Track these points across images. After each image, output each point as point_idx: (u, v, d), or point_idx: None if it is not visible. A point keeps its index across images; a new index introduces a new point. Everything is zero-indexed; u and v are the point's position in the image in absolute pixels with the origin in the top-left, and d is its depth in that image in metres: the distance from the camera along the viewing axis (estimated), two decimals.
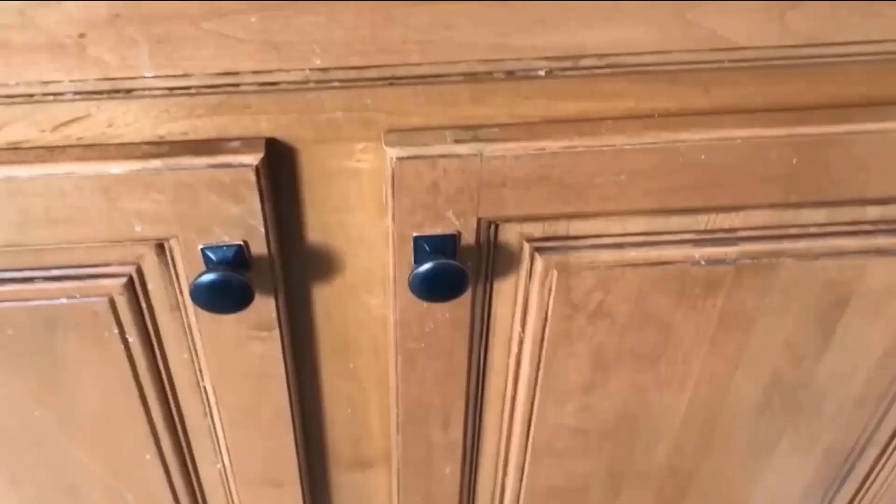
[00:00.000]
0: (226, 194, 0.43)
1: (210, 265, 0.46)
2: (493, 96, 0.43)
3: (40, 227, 0.44)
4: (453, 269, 0.45)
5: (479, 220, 0.46)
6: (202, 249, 0.46)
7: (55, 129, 0.42)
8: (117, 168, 0.42)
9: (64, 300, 0.48)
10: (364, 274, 0.51)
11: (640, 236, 0.49)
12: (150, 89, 0.40)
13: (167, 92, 0.40)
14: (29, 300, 0.48)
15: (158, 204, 0.44)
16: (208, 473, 0.62)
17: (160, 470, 0.60)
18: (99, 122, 0.42)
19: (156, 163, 0.42)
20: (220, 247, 0.46)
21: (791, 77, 0.44)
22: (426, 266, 0.45)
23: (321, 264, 0.50)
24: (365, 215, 0.48)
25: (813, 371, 0.58)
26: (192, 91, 0.40)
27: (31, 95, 0.39)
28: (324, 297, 0.52)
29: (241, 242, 0.45)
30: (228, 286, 0.44)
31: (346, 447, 0.63)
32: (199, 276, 0.44)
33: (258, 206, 0.44)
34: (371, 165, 0.45)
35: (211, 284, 0.44)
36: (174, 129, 0.43)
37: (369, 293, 0.52)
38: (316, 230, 0.48)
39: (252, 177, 0.43)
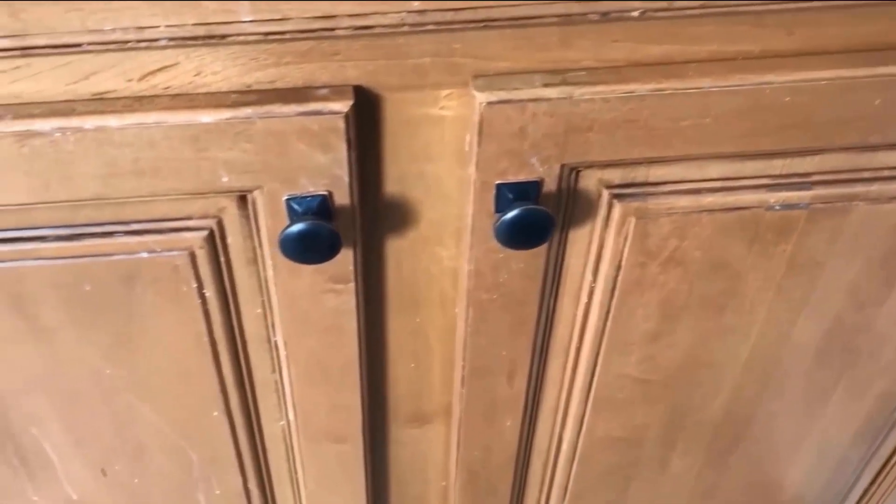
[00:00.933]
0: (314, 143, 0.43)
1: (294, 216, 0.46)
2: (582, 39, 0.43)
3: (127, 179, 0.44)
4: (540, 216, 0.45)
5: (562, 167, 0.46)
6: (287, 200, 0.46)
7: (142, 78, 0.42)
8: (208, 117, 0.42)
9: (144, 254, 0.48)
10: (438, 225, 0.51)
11: (717, 182, 0.49)
12: (244, 34, 0.39)
13: (261, 37, 0.40)
14: (109, 255, 0.48)
15: (246, 153, 0.43)
16: (272, 430, 0.63)
17: (226, 427, 0.61)
18: (186, 70, 0.42)
19: (246, 111, 0.42)
20: (305, 197, 0.46)
21: (875, 17, 0.44)
22: (513, 212, 0.45)
23: (397, 216, 0.50)
24: (444, 164, 0.48)
25: (874, 316, 0.59)
26: (286, 37, 0.40)
27: (125, 42, 0.39)
28: (396, 249, 0.52)
29: (326, 193, 0.46)
30: (318, 236, 0.44)
31: (407, 402, 0.63)
32: (289, 226, 0.44)
33: (345, 155, 0.44)
34: (455, 113, 0.45)
35: (301, 234, 0.44)
36: (262, 77, 0.43)
37: (441, 245, 0.52)
38: (394, 180, 0.48)
39: (341, 124, 0.43)
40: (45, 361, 0.54)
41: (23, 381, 0.55)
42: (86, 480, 0.64)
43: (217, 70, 0.42)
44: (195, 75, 0.42)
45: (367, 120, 0.45)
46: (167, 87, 0.43)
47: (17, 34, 0.38)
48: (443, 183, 0.49)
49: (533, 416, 0.64)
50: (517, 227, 0.45)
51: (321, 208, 0.46)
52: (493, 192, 0.46)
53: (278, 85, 0.43)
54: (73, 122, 0.41)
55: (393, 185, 0.48)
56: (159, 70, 0.42)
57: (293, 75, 0.43)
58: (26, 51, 0.39)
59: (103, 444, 0.61)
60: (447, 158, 0.47)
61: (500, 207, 0.47)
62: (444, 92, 0.44)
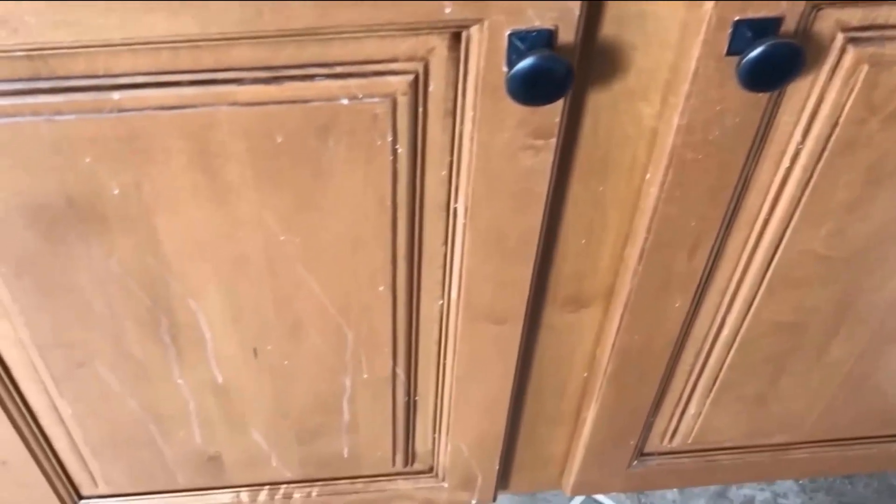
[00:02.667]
0: None
1: (515, 54, 0.42)
2: None
3: (345, 8, 0.40)
4: (791, 50, 0.41)
5: (806, 3, 0.42)
6: (510, 35, 0.42)
7: None
8: None
9: (345, 101, 0.45)
10: (647, 76, 0.47)
11: None
12: None
13: None
14: (308, 101, 0.45)
15: None
16: (429, 310, 0.60)
17: (389, 304, 0.58)
18: None
19: None
20: (530, 32, 0.42)
21: None
22: (760, 48, 0.41)
23: (607, 63, 0.46)
24: (670, 4, 0.44)
25: None
26: None
27: None
28: (597, 104, 0.48)
29: (553, 27, 0.42)
30: (552, 71, 0.41)
31: (569, 283, 0.60)
32: (521, 60, 0.41)
33: None
34: None
35: (535, 68, 0.41)
36: None
37: (646, 100, 0.49)
38: (613, 21, 0.44)
39: None
40: (219, 224, 0.51)
41: (193, 245, 0.52)
42: (235, 361, 0.61)
43: None
44: None
45: None
46: None
47: None
48: (662, 25, 0.45)
49: (699, 297, 0.62)
50: (764, 64, 0.42)
51: (546, 44, 0.42)
52: (730, 29, 0.43)
53: None
54: None
55: (611, 26, 0.45)
56: None
57: None
58: None
59: (261, 320, 0.58)
60: None
61: (736, 48, 0.43)
62: None
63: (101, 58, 0.43)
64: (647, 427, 0.75)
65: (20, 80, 0.43)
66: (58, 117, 0.44)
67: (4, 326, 0.57)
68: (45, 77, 0.43)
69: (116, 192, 0.48)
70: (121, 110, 0.44)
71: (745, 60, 0.42)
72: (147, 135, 0.45)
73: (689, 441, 0.77)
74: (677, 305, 0.60)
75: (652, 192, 0.52)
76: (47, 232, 0.50)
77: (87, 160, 0.46)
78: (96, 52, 0.42)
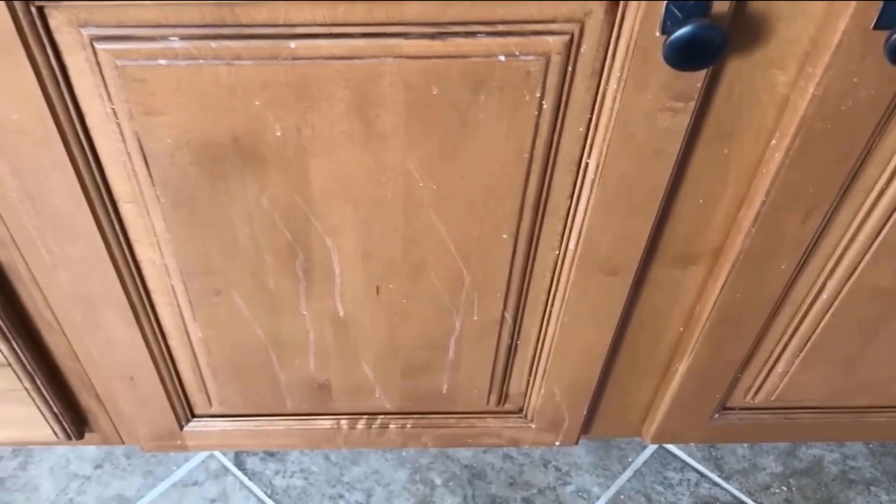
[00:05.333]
0: None
1: (672, 21, 0.45)
2: None
3: None
4: None
5: None
6: (668, 3, 0.44)
7: None
8: None
9: (502, 57, 0.48)
10: (787, 46, 0.49)
11: None
12: None
13: None
14: (467, 56, 0.48)
15: None
16: (544, 260, 0.63)
17: (509, 252, 0.62)
18: None
19: None
20: (687, 1, 0.44)
21: None
22: None
23: (750, 31, 0.48)
24: None
25: None
26: None
27: None
28: (735, 69, 0.50)
29: None
30: (710, 39, 0.43)
31: (680, 241, 0.63)
32: (679, 28, 0.43)
33: None
34: None
35: (692, 35, 0.43)
36: None
37: (782, 69, 0.51)
38: None
39: None
40: (366, 169, 0.54)
41: (338, 187, 0.55)
42: (358, 297, 0.65)
43: None
44: None
45: None
46: None
47: None
48: None
49: (805, 260, 0.64)
50: None
51: (702, 14, 0.44)
52: (880, 8, 0.45)
53: None
54: None
55: None
56: None
57: None
58: None
59: (387, 260, 0.62)
60: None
61: (883, 23, 0.45)
62: None
63: (283, 8, 0.46)
64: (734, 382, 0.78)
65: (206, 25, 0.46)
66: (237, 62, 0.48)
67: (152, 253, 0.62)
68: (230, 24, 0.46)
69: (279, 134, 0.52)
70: (295, 58, 0.48)
71: (895, 36, 0.44)
72: (314, 82, 0.49)
73: (773, 398, 0.80)
74: (783, 267, 0.63)
75: (776, 158, 0.54)
76: (210, 168, 0.54)
77: (257, 103, 0.50)
78: (279, 3, 0.45)
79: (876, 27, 0.45)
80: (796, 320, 0.70)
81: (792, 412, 0.82)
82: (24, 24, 0.45)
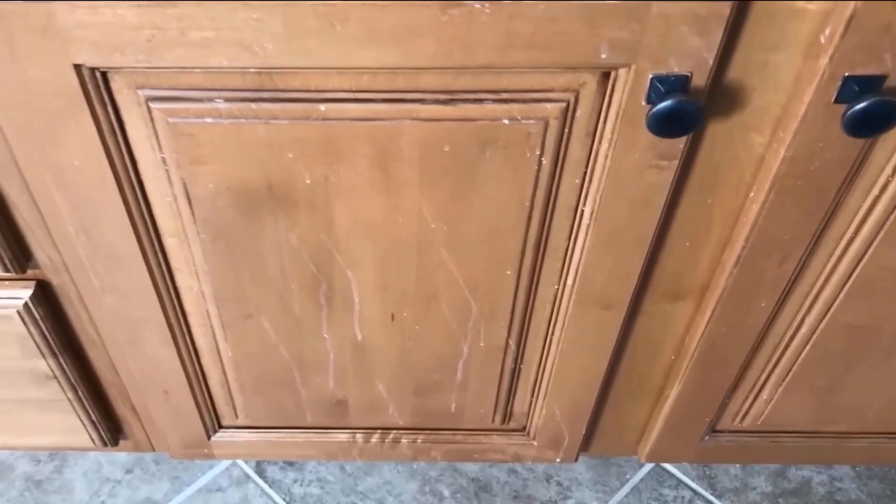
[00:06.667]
0: (695, 27, 0.48)
1: (655, 94, 0.51)
2: None
3: (518, 51, 0.49)
4: (890, 106, 0.49)
5: None
6: (652, 78, 0.51)
7: None
8: None
9: (506, 121, 0.54)
10: (760, 112, 0.55)
11: None
12: None
13: None
14: (476, 119, 0.54)
15: (633, 33, 0.48)
16: (545, 293, 0.70)
17: (512, 286, 0.68)
18: None
19: None
20: (670, 77, 0.50)
21: None
22: (863, 103, 0.49)
23: (727, 100, 0.55)
24: (788, 55, 0.52)
25: None
26: None
27: None
28: (715, 132, 0.57)
29: (688, 73, 0.50)
30: (687, 112, 0.49)
31: (670, 278, 0.69)
32: (660, 102, 0.49)
33: (719, 39, 0.48)
34: (818, 7, 0.49)
35: (672, 110, 0.49)
36: None
37: (758, 132, 0.57)
38: (738, 67, 0.52)
39: (726, 12, 0.47)
40: (386, 212, 0.61)
41: (360, 227, 0.62)
42: (375, 323, 0.72)
43: None
44: None
45: (736, 10, 0.49)
46: None
47: None
48: (780, 73, 0.53)
49: (784, 299, 0.70)
50: (866, 116, 0.49)
51: (682, 88, 0.51)
52: (839, 83, 0.51)
53: None
54: None
55: (735, 70, 0.53)
56: None
57: None
58: None
59: (402, 291, 0.68)
60: (794, 49, 0.51)
61: (843, 98, 0.51)
62: None
63: (315, 77, 0.52)
64: (722, 407, 0.84)
65: (248, 90, 0.53)
66: (273, 121, 0.54)
67: (191, 281, 0.68)
68: (268, 89, 0.53)
69: (308, 182, 0.58)
70: (324, 119, 0.54)
71: (850, 111, 0.50)
72: (341, 139, 0.55)
73: (759, 422, 0.85)
74: (763, 305, 0.69)
75: (754, 209, 0.60)
76: (246, 209, 0.61)
77: (290, 156, 0.56)
78: (312, 73, 0.52)
79: (836, 101, 0.51)
80: (778, 352, 0.76)
81: (777, 436, 0.87)
82: (90, 86, 0.52)
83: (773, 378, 0.79)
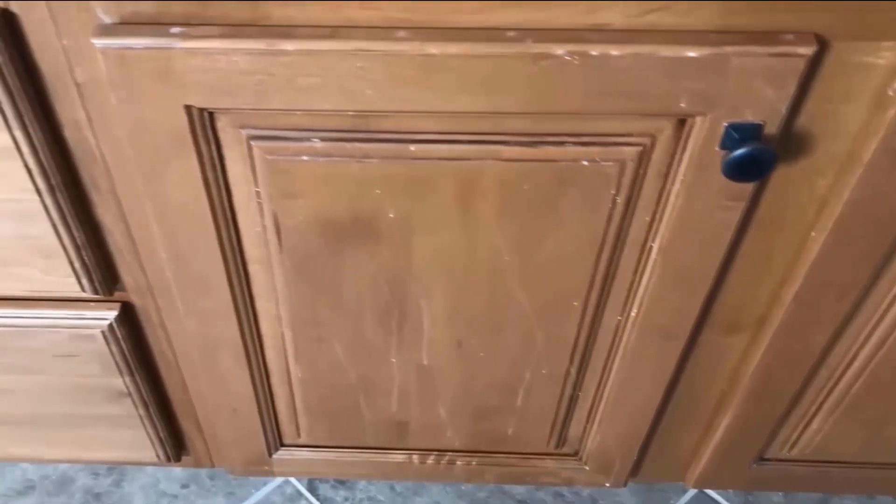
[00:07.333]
0: (771, 80, 0.51)
1: (730, 141, 0.54)
2: None
3: (603, 98, 0.52)
4: None
5: None
6: (727, 127, 0.54)
7: (640, 15, 0.50)
8: (693, 52, 0.50)
9: (585, 162, 0.57)
10: (826, 157, 0.58)
11: None
12: None
13: None
14: (556, 160, 0.57)
15: (711, 85, 0.51)
16: (608, 323, 0.72)
17: (578, 316, 0.71)
18: (677, 12, 0.50)
19: (727, 49, 0.50)
20: (744, 125, 0.53)
21: None
22: None
23: (795, 146, 0.57)
24: (856, 106, 0.54)
25: None
26: None
27: None
28: (781, 175, 0.59)
29: (761, 122, 0.53)
30: (761, 159, 0.52)
31: (729, 311, 0.71)
32: (734, 149, 0.52)
33: (792, 92, 0.51)
34: (888, 62, 0.52)
35: (747, 157, 0.52)
36: (737, 20, 0.50)
37: (822, 175, 0.59)
38: (808, 115, 0.55)
39: (801, 66, 0.50)
40: (462, 244, 0.64)
41: (436, 258, 0.65)
42: (441, 349, 0.75)
43: (701, 12, 0.50)
44: (683, 16, 0.50)
45: (810, 64, 0.52)
46: (657, 24, 0.50)
47: None
48: (847, 122, 0.56)
49: (839, 333, 0.72)
50: None
51: (755, 135, 0.54)
52: None
53: (749, 28, 0.50)
54: (583, 48, 0.50)
55: (804, 118, 0.56)
56: (655, 10, 0.50)
57: (763, 21, 0.50)
58: None
59: (471, 319, 0.71)
60: (862, 100, 0.54)
61: None
62: (886, 43, 0.51)
63: (408, 119, 0.56)
64: (772, 436, 0.86)
65: (344, 130, 0.57)
66: (365, 160, 0.58)
67: (269, 305, 0.72)
68: (362, 130, 0.57)
69: (392, 216, 0.62)
70: (413, 158, 0.58)
71: None
72: (427, 177, 0.59)
73: (807, 452, 0.87)
74: (818, 339, 0.71)
75: (814, 248, 0.63)
76: (331, 240, 0.64)
77: (378, 192, 0.60)
78: (405, 116, 0.55)
79: None
80: (831, 383, 0.78)
81: (824, 465, 0.89)
82: (197, 125, 0.56)
83: (825, 409, 0.81)
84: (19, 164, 0.59)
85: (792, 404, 0.81)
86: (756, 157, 0.53)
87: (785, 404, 0.80)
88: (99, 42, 0.51)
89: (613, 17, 0.50)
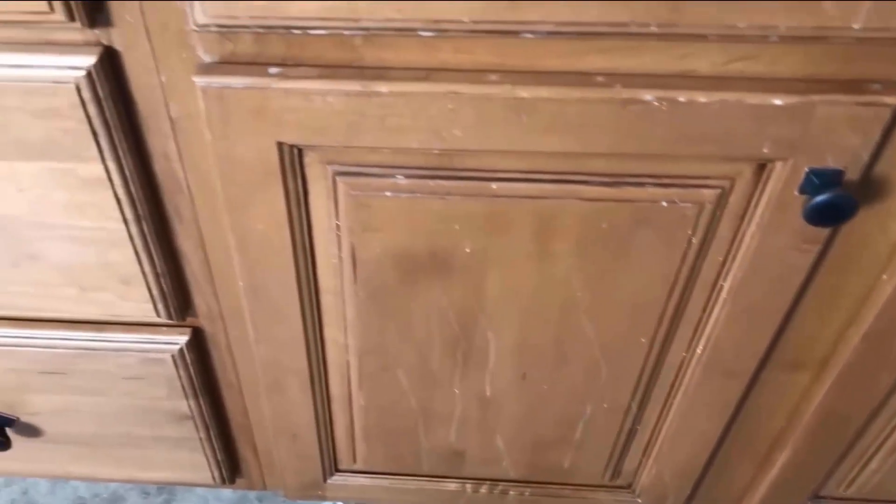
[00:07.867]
0: (857, 128, 0.52)
1: (810, 186, 0.55)
2: None
3: (687, 142, 0.53)
4: None
5: None
6: (808, 172, 0.54)
7: (727, 63, 0.51)
8: (779, 100, 0.51)
9: (664, 203, 0.58)
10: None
11: None
12: (842, 37, 0.48)
13: (855, 40, 0.48)
14: (635, 201, 0.58)
15: (795, 132, 0.52)
16: (672, 359, 0.73)
17: (644, 352, 0.71)
18: (764, 61, 0.51)
19: (813, 98, 0.51)
20: (825, 171, 0.54)
21: None
22: None
23: (872, 191, 0.58)
24: None
25: None
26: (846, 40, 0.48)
27: (739, 36, 0.48)
28: (858, 219, 0.60)
29: (843, 168, 0.54)
30: (842, 206, 0.53)
31: (793, 349, 0.72)
32: (814, 194, 0.53)
33: (877, 139, 0.52)
34: None
35: (830, 203, 0.53)
36: (823, 69, 0.51)
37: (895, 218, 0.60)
38: (887, 161, 0.56)
39: (887, 116, 0.51)
40: (535, 280, 0.65)
41: (509, 293, 0.66)
42: (505, 381, 0.76)
43: (788, 60, 0.51)
44: (770, 65, 0.51)
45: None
46: (742, 71, 0.52)
47: (668, 23, 0.48)
48: None
49: None
50: None
51: (836, 181, 0.54)
52: None
53: (836, 76, 0.51)
54: (671, 94, 0.51)
55: (882, 164, 0.56)
56: (743, 59, 0.51)
57: (849, 70, 0.51)
58: (660, 36, 0.49)
59: (538, 352, 0.72)
60: None
61: None
62: None
63: (490, 158, 0.57)
64: (829, 474, 0.86)
65: (427, 168, 0.58)
66: (447, 196, 0.59)
67: (338, 334, 0.73)
68: (445, 168, 0.58)
69: (468, 251, 0.63)
70: (494, 196, 0.59)
71: None
72: (507, 214, 0.60)
73: (865, 491, 0.87)
74: (883, 380, 0.71)
75: (886, 290, 0.63)
76: (405, 272, 0.65)
77: (456, 227, 0.61)
78: (488, 154, 0.57)
79: None
80: (893, 423, 0.78)
81: None
82: (287, 161, 0.57)
83: (885, 449, 0.81)
84: (110, 194, 0.61)
85: (851, 443, 0.81)
86: (838, 203, 0.53)
87: (844, 443, 0.80)
88: (200, 80, 0.53)
89: (701, 63, 0.52)
